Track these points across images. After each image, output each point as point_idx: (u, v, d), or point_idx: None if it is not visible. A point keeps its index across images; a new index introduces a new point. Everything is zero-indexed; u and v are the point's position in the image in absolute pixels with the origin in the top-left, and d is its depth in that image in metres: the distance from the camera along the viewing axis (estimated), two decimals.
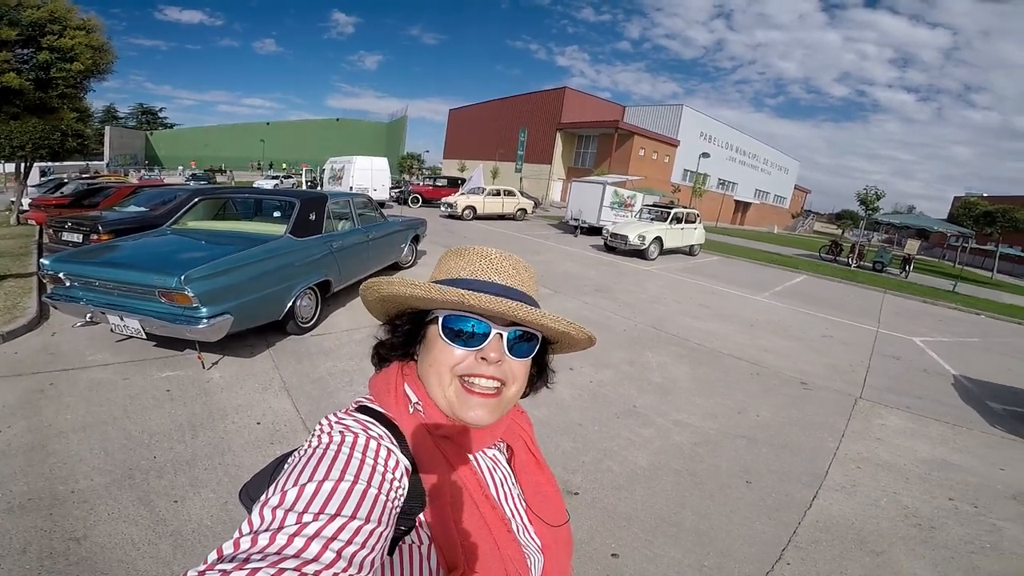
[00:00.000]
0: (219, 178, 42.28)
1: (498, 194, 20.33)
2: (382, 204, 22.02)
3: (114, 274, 3.96)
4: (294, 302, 4.75)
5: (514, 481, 0.73)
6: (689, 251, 15.08)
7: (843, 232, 56.92)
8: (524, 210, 21.15)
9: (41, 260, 4.33)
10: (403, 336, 0.72)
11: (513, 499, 0.71)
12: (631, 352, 5.50)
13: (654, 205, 15.56)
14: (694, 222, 14.96)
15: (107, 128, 56.91)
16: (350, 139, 60.59)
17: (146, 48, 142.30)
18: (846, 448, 3.76)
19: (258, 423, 3.25)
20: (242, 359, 4.29)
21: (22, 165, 17.24)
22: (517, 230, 17.20)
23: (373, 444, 0.56)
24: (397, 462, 0.56)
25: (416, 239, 8.75)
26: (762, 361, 5.73)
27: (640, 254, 12.97)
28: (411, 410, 0.65)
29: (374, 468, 0.53)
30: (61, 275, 4.19)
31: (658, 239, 13.10)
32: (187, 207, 5.62)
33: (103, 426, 3.04)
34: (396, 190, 26.56)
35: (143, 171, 45.59)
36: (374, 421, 0.61)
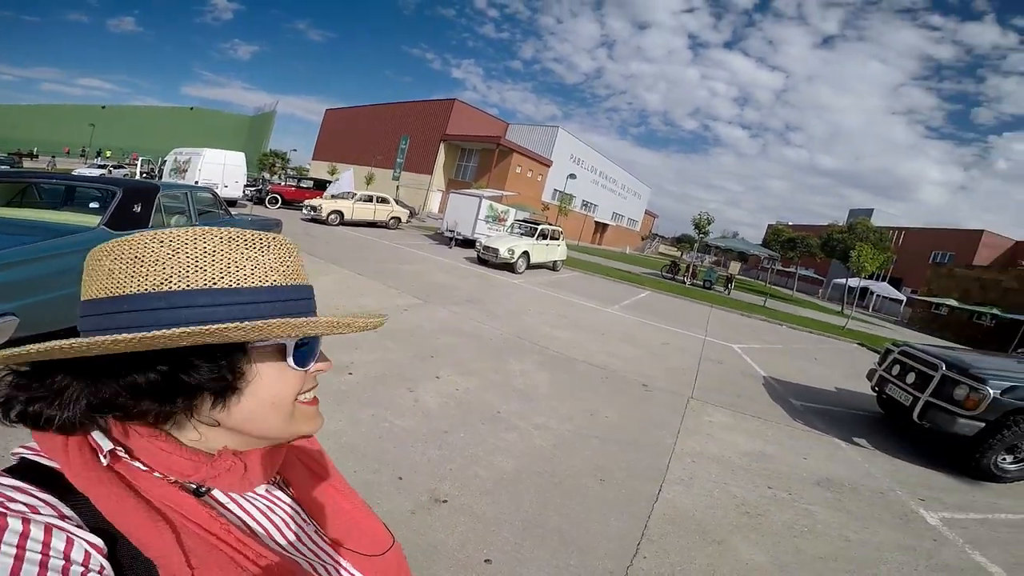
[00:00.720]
0: (28, 164, 34.44)
1: (370, 200, 19.52)
2: (233, 203, 19.94)
3: None
4: None
5: (307, 517, 0.60)
6: (553, 266, 15.98)
7: (682, 254, 65.40)
8: (398, 219, 20.60)
9: None
10: (156, 387, 0.44)
11: (310, 538, 0.58)
12: (497, 360, 5.59)
13: (524, 221, 16.24)
14: (558, 239, 15.91)
15: None
16: (206, 131, 53.44)
17: None
18: (682, 444, 4.18)
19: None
20: None
21: None
22: (390, 239, 16.67)
23: (26, 529, 0.37)
24: (70, 542, 0.38)
25: None
26: (610, 366, 6.22)
27: (509, 267, 13.37)
28: (104, 461, 0.44)
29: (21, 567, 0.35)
30: None
31: (526, 253, 13.65)
32: None
33: None
34: (252, 188, 24.15)
35: None
36: (34, 489, 0.41)
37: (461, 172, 42.11)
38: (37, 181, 5.61)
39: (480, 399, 4.36)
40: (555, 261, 15.88)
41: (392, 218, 20.21)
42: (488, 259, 13.48)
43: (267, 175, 34.60)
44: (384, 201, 20.16)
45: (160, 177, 21.59)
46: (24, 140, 46.21)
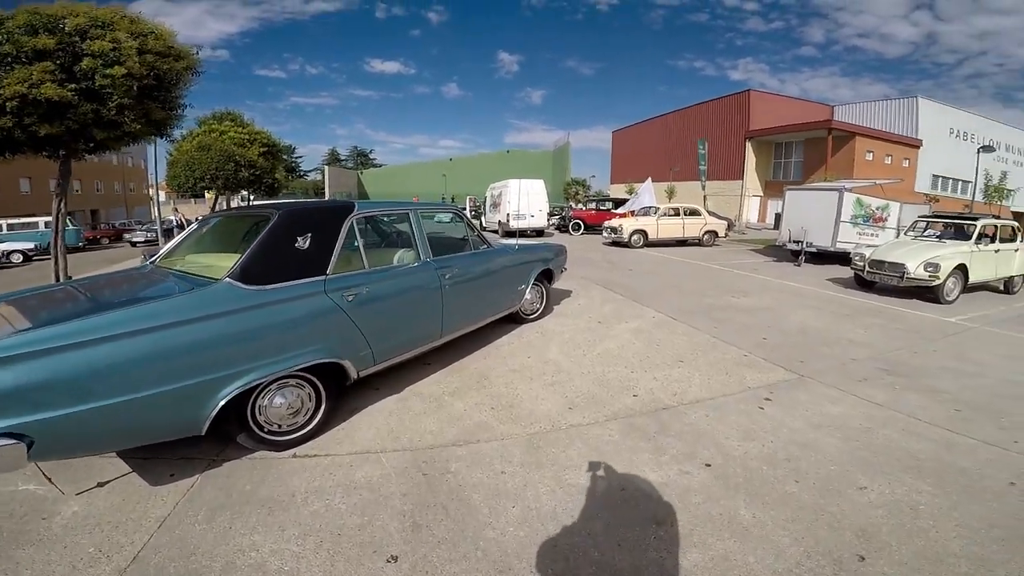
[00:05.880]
0: None
1: (677, 213, 16.50)
2: (540, 232, 20.03)
3: None
4: (244, 403, 2.72)
5: None
6: (1006, 287, 9.34)
7: None
8: (714, 232, 16.81)
9: None
10: None
11: None
12: None
13: (933, 216, 10.19)
14: (1014, 239, 9.24)
15: (326, 168, 67.01)
16: (520, 169, 61.12)
17: (362, 98, 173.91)
18: None
19: None
20: (141, 485, 2.65)
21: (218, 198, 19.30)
22: (708, 259, 13.16)
23: None
24: None
25: (547, 275, 5.87)
26: None
27: (922, 293, 8.07)
28: None
29: None
30: None
31: (961, 268, 8.01)
32: (185, 232, 3.71)
33: None
34: (557, 217, 24.41)
35: None
36: None
37: (781, 171, 34.58)
38: (254, 214, 4.56)
39: None
40: (1012, 277, 9.26)
41: (706, 233, 16.56)
42: (880, 281, 8.50)
43: (572, 203, 35.70)
44: (694, 213, 16.79)
45: (485, 214, 23.57)
46: (407, 192, 61.95)
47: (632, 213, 16.90)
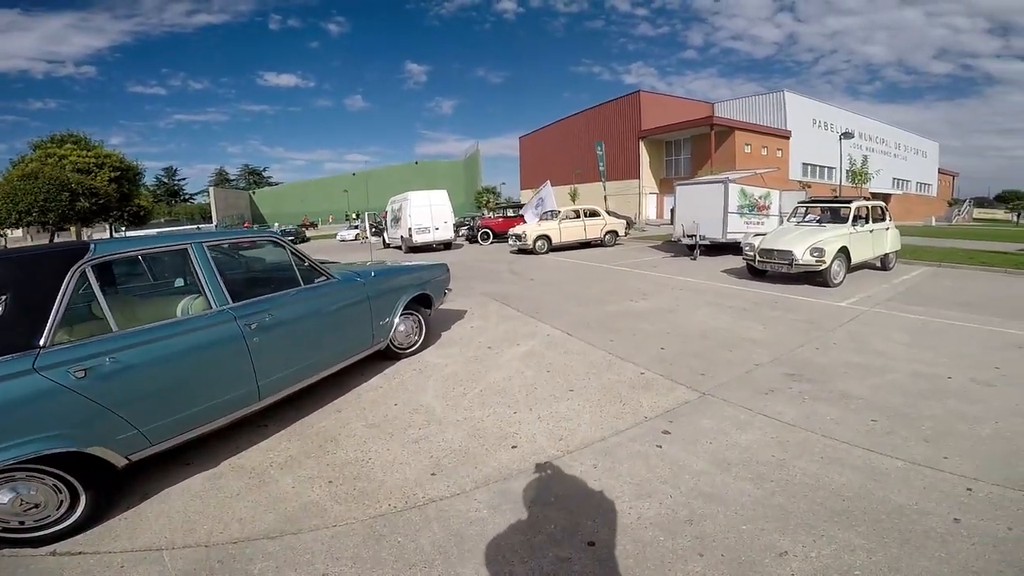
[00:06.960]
0: (310, 233, 42.47)
1: (577, 216, 16.31)
2: (448, 245, 19.07)
3: None
4: None
5: None
6: (882, 264, 9.83)
7: (1019, 215, 46.96)
8: (614, 232, 16.80)
9: None
10: None
11: None
12: None
13: (812, 201, 10.58)
14: (884, 219, 9.76)
15: (211, 190, 60.76)
16: (430, 180, 58.69)
17: (256, 113, 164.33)
18: None
19: None
20: None
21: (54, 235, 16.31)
22: (609, 260, 12.93)
23: None
24: None
25: (424, 300, 5.00)
26: None
27: (811, 277, 8.15)
28: None
29: None
30: None
31: (843, 251, 8.17)
32: None
33: None
34: (466, 228, 23.58)
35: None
36: None
37: (673, 168, 36.49)
38: None
39: None
40: (887, 254, 9.74)
41: (607, 233, 16.51)
42: (770, 269, 8.52)
43: (485, 211, 35.13)
44: (594, 214, 16.69)
45: (387, 229, 22.18)
46: (309, 211, 57.44)
47: (541, 219, 16.55)
